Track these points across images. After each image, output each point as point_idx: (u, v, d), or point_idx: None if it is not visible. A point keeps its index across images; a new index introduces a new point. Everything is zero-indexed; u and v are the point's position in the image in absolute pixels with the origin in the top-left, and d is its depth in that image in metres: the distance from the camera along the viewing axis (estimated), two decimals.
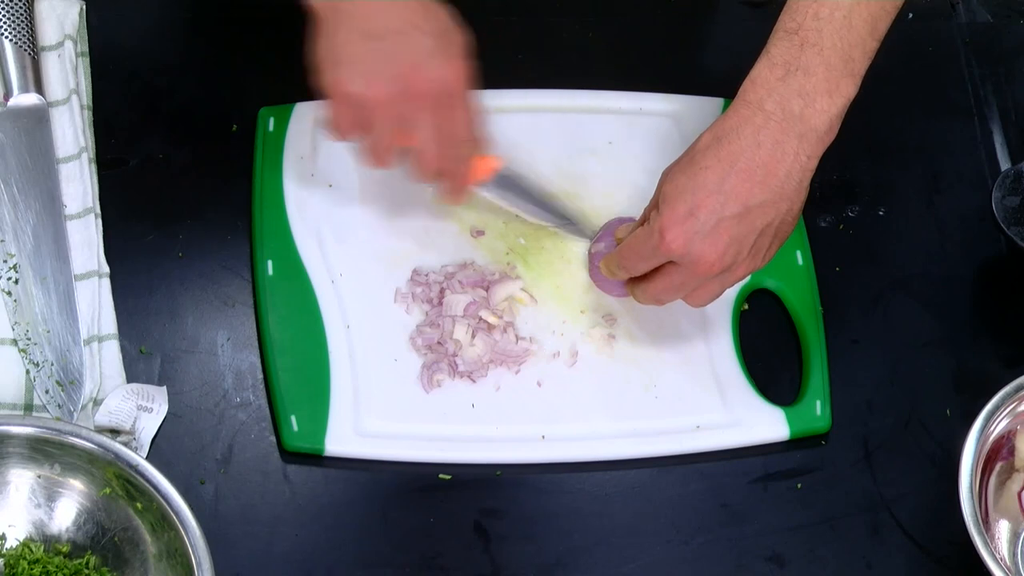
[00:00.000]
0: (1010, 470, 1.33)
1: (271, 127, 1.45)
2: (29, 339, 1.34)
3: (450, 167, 1.33)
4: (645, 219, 1.31)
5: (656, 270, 1.30)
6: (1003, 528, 1.33)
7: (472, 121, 1.31)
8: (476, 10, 1.45)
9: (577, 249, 1.43)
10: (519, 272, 1.41)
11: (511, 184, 1.40)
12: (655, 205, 1.29)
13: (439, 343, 1.37)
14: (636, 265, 1.31)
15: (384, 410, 1.34)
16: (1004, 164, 1.51)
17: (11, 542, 1.26)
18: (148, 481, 1.23)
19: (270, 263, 1.39)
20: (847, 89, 1.25)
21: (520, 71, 1.50)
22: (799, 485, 1.35)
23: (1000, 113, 1.55)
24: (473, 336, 1.37)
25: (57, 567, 1.25)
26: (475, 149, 1.33)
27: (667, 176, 1.28)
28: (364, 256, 1.41)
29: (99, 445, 1.24)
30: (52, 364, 1.33)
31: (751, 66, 1.29)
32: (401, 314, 1.38)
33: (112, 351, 1.35)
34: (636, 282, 1.33)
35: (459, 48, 1.29)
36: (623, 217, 1.42)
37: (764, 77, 1.25)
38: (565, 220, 1.42)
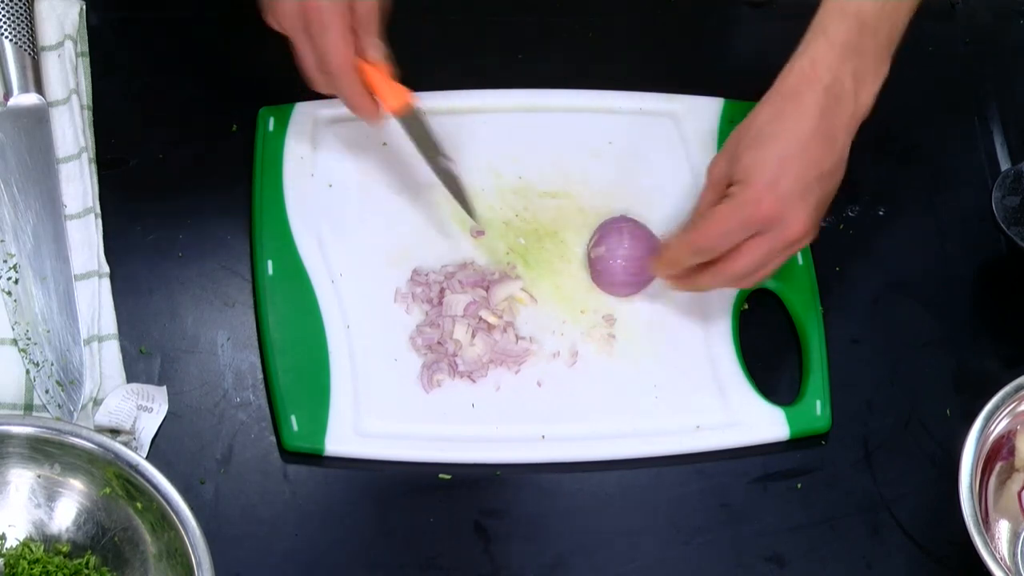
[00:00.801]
0: (1010, 470, 1.33)
1: (271, 127, 1.45)
2: (29, 339, 1.34)
3: (330, 86, 1.35)
4: (707, 206, 1.34)
5: (733, 250, 1.31)
6: (1003, 528, 1.33)
7: (363, 33, 1.33)
8: (476, 10, 1.46)
9: (578, 250, 1.43)
10: (519, 272, 1.41)
11: (419, 126, 1.39)
12: (717, 184, 1.33)
13: (439, 343, 1.37)
14: (719, 244, 1.32)
15: (384, 410, 1.34)
16: (1004, 164, 1.51)
17: (11, 542, 1.26)
18: (148, 481, 1.23)
19: (270, 263, 1.39)
20: (886, 70, 1.33)
21: (520, 71, 1.50)
22: (799, 485, 1.35)
23: (1000, 113, 1.54)
24: (473, 336, 1.37)
25: (57, 567, 1.25)
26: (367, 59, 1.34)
27: (733, 152, 1.32)
28: (364, 256, 1.41)
29: (99, 445, 1.24)
30: (52, 364, 1.33)
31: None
32: (401, 314, 1.38)
33: (112, 351, 1.34)
34: (703, 268, 1.34)
35: None
36: (617, 218, 1.42)
37: (824, 57, 1.31)
38: (455, 186, 1.41)
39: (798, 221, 1.30)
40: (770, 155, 1.30)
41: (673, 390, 1.37)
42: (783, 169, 1.29)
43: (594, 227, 1.43)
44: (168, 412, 1.32)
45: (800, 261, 1.44)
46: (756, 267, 1.32)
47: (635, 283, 1.40)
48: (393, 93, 1.37)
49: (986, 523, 1.30)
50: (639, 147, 1.47)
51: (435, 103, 1.47)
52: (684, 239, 1.34)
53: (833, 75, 1.30)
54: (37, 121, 1.43)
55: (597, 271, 1.40)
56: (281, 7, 1.34)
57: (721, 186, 1.33)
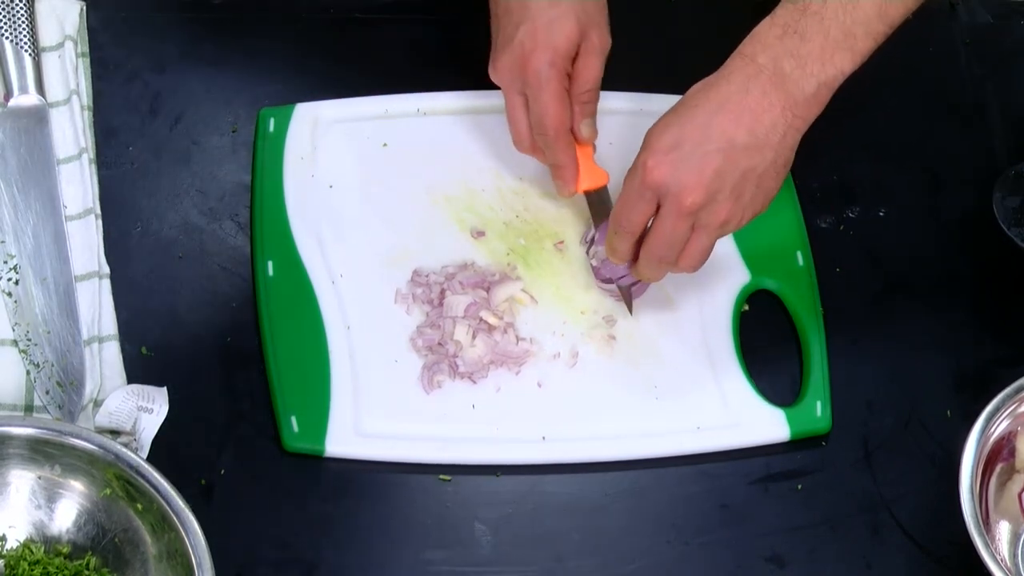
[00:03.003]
0: (1011, 471, 1.33)
1: (271, 127, 1.45)
2: (29, 340, 1.34)
3: (543, 148, 1.37)
4: None
5: (649, 230, 1.31)
6: (1003, 529, 1.33)
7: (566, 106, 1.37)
8: (476, 10, 1.46)
9: (578, 250, 1.43)
10: (519, 273, 1.41)
11: (603, 201, 1.41)
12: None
13: (439, 344, 1.37)
14: (629, 216, 1.30)
15: (384, 411, 1.34)
16: (1004, 164, 1.51)
17: (11, 543, 1.26)
18: (148, 482, 1.23)
19: (270, 263, 1.39)
20: (842, 63, 1.27)
21: None
22: (799, 486, 1.35)
23: (1000, 113, 1.54)
24: (473, 337, 1.37)
25: (57, 568, 1.25)
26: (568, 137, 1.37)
27: (653, 125, 1.31)
28: (364, 256, 1.41)
29: (99, 446, 1.24)
30: (52, 365, 1.33)
31: None
32: (401, 315, 1.38)
33: (112, 352, 1.35)
34: (637, 257, 1.34)
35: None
36: (605, 222, 1.41)
37: (762, 34, 1.29)
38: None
39: (687, 186, 1.26)
40: (675, 122, 1.28)
41: (673, 391, 1.37)
42: (682, 136, 1.27)
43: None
44: (168, 413, 1.32)
45: (800, 261, 1.44)
46: (669, 243, 1.30)
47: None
48: (593, 175, 1.39)
49: (986, 524, 1.30)
50: (639, 147, 1.47)
51: (436, 103, 1.48)
52: (609, 222, 1.34)
53: (768, 53, 1.27)
54: (37, 121, 1.43)
55: (599, 279, 1.40)
56: (500, 63, 1.36)
57: None
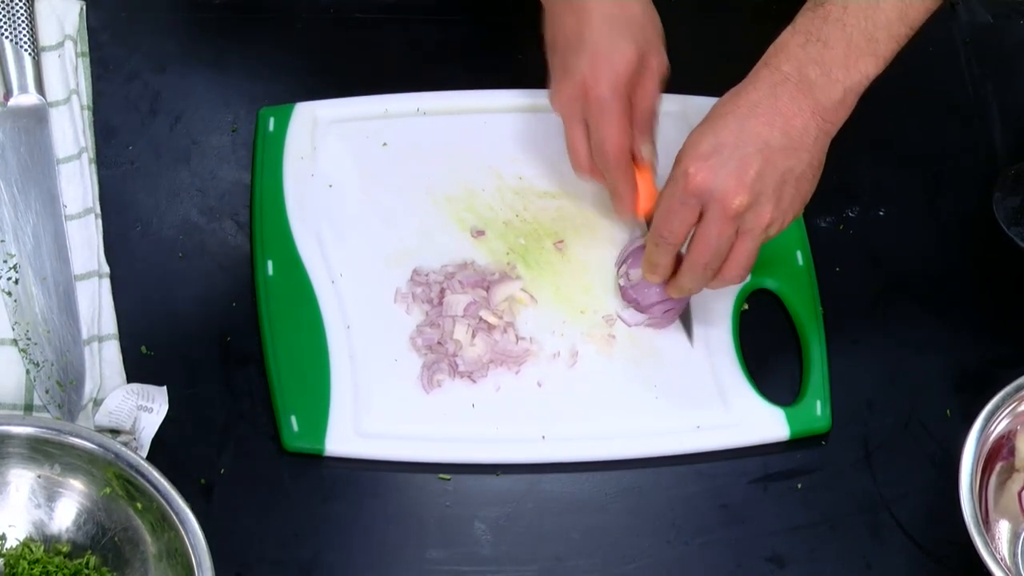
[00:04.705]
0: (1010, 470, 1.33)
1: (271, 127, 1.45)
2: (29, 339, 1.34)
3: (604, 173, 1.37)
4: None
5: (693, 239, 1.30)
6: (1003, 528, 1.33)
7: (627, 128, 1.36)
8: (476, 10, 1.46)
9: (578, 250, 1.43)
10: (519, 272, 1.41)
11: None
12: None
13: (439, 343, 1.37)
14: (671, 226, 1.30)
15: (384, 410, 1.34)
16: (1004, 164, 1.51)
17: (11, 542, 1.26)
18: (148, 481, 1.23)
19: (270, 263, 1.39)
20: (866, 67, 1.29)
21: (520, 71, 1.50)
22: (799, 485, 1.35)
23: (1000, 113, 1.54)
24: (473, 336, 1.37)
25: (57, 567, 1.25)
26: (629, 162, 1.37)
27: (688, 136, 1.32)
28: (364, 256, 1.41)
29: (99, 445, 1.24)
30: (52, 364, 1.33)
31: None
32: (401, 314, 1.38)
33: (112, 351, 1.35)
34: (677, 271, 1.34)
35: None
36: (642, 242, 1.41)
37: (785, 43, 1.29)
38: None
39: (730, 190, 1.27)
40: (710, 130, 1.29)
41: (673, 390, 1.37)
42: (720, 142, 1.28)
43: (595, 228, 1.43)
44: (168, 412, 1.32)
45: (800, 261, 1.44)
46: (715, 250, 1.30)
47: (671, 305, 1.39)
48: (654, 197, 1.37)
49: (986, 523, 1.30)
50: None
51: (435, 103, 1.48)
52: (648, 236, 1.34)
53: (793, 62, 1.28)
54: (37, 121, 1.43)
55: (628, 294, 1.40)
56: (562, 93, 1.36)
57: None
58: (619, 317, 1.40)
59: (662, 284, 1.37)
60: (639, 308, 1.39)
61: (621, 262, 1.41)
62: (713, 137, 1.28)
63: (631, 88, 1.36)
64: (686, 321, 1.40)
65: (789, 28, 1.30)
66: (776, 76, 1.28)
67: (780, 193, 1.29)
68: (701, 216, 1.29)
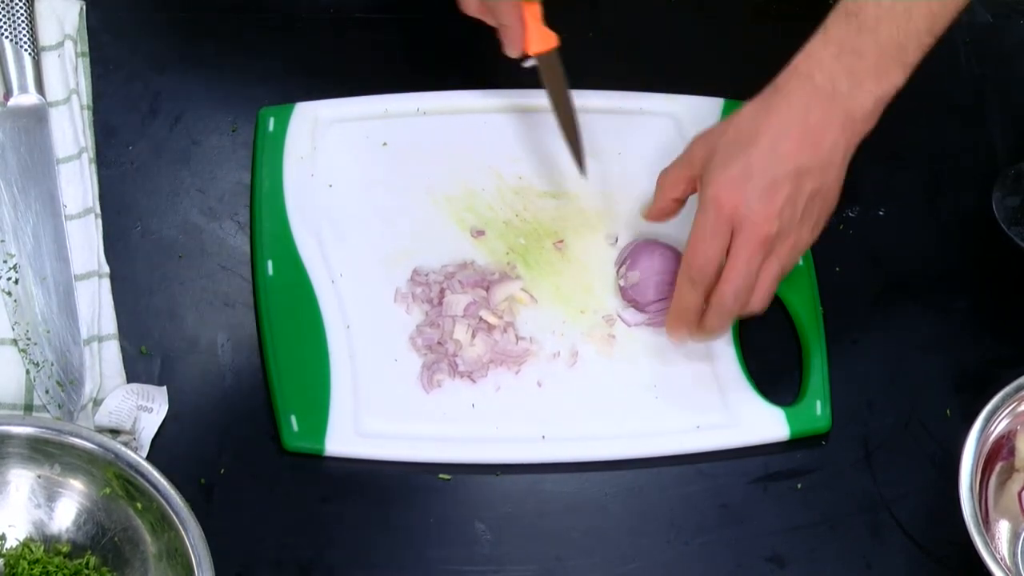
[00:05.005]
0: (1010, 470, 1.33)
1: (271, 127, 1.45)
2: (29, 339, 1.34)
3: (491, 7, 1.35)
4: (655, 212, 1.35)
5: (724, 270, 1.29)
6: (1003, 528, 1.33)
7: None
8: None
9: (578, 250, 1.43)
10: (519, 272, 1.41)
11: (555, 69, 1.40)
12: (687, 168, 1.32)
13: (439, 343, 1.37)
14: (707, 254, 1.29)
15: (384, 410, 1.34)
16: (1004, 164, 1.51)
17: (11, 542, 1.26)
18: (148, 481, 1.23)
19: (270, 263, 1.39)
20: (896, 77, 1.29)
21: (520, 71, 1.50)
22: (799, 485, 1.35)
23: (1000, 113, 1.54)
24: (473, 336, 1.37)
25: (57, 567, 1.25)
26: None
27: (706, 145, 1.31)
28: (364, 256, 1.41)
29: (99, 445, 1.24)
30: (52, 364, 1.33)
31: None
32: (401, 314, 1.38)
33: (112, 351, 1.35)
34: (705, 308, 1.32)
35: None
36: (641, 242, 1.41)
37: (818, 53, 1.29)
38: (574, 137, 1.41)
39: (764, 216, 1.26)
40: (741, 152, 1.28)
41: (673, 390, 1.37)
42: (750, 165, 1.27)
43: (595, 227, 1.43)
44: (168, 412, 1.32)
45: (800, 261, 1.43)
46: (747, 277, 1.29)
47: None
48: (541, 35, 1.37)
49: (986, 523, 1.30)
50: (639, 147, 1.47)
51: (435, 103, 1.48)
52: (679, 278, 1.32)
53: (825, 73, 1.28)
54: (37, 121, 1.43)
55: (628, 294, 1.39)
56: None
57: (692, 167, 1.32)
58: (619, 317, 1.40)
59: (661, 284, 1.37)
60: (639, 308, 1.39)
61: (621, 262, 1.41)
62: (745, 159, 1.27)
63: None
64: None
65: (820, 36, 1.29)
66: (808, 87, 1.28)
67: (808, 213, 1.29)
68: (729, 247, 1.28)
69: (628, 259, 1.40)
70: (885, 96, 1.29)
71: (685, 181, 1.34)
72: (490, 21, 1.38)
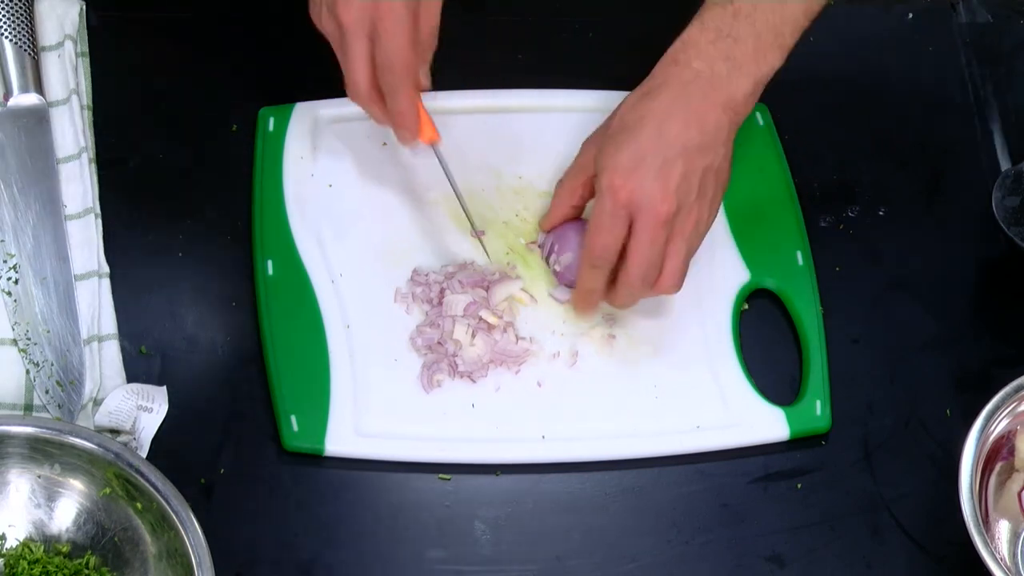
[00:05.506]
0: (1010, 470, 1.33)
1: (271, 127, 1.45)
2: (29, 339, 1.34)
3: (388, 94, 1.33)
4: (567, 187, 1.38)
5: (623, 254, 1.31)
6: (1003, 528, 1.33)
7: (404, 50, 1.30)
8: (476, 10, 1.46)
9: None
10: (519, 272, 1.41)
11: (442, 160, 1.40)
12: (582, 173, 1.35)
13: (439, 343, 1.37)
14: (605, 241, 1.31)
15: (384, 410, 1.34)
16: (1004, 164, 1.51)
17: (11, 542, 1.26)
18: (148, 481, 1.23)
19: (270, 263, 1.39)
20: (774, 59, 1.32)
21: (520, 71, 1.50)
22: (799, 485, 1.35)
23: (1000, 113, 1.54)
24: (473, 336, 1.37)
25: (57, 567, 1.25)
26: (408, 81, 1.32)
27: (594, 144, 1.34)
28: (364, 256, 1.41)
29: (99, 445, 1.24)
30: (52, 364, 1.33)
31: None
32: (401, 314, 1.39)
33: (112, 351, 1.35)
34: (611, 284, 1.34)
35: None
36: (564, 225, 1.41)
37: (695, 39, 1.32)
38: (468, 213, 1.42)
39: (656, 196, 1.28)
40: (628, 140, 1.30)
41: (673, 390, 1.37)
42: (640, 151, 1.29)
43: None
44: (168, 412, 1.32)
45: (800, 261, 1.44)
46: (650, 259, 1.30)
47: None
48: (432, 128, 1.38)
49: (986, 523, 1.30)
50: None
51: (435, 103, 1.47)
52: (581, 263, 1.35)
53: (704, 58, 1.30)
54: (37, 121, 1.43)
55: (564, 277, 1.40)
56: (348, 5, 1.29)
57: (586, 171, 1.35)
58: (552, 296, 1.39)
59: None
60: (572, 286, 1.39)
61: (549, 251, 1.41)
62: (634, 145, 1.29)
63: (418, 5, 1.31)
64: None
65: (696, 24, 1.32)
66: (687, 73, 1.30)
67: (704, 190, 1.31)
68: (630, 229, 1.30)
69: (555, 243, 1.40)
70: (764, 78, 1.32)
71: (582, 186, 1.37)
72: (379, 112, 1.35)
